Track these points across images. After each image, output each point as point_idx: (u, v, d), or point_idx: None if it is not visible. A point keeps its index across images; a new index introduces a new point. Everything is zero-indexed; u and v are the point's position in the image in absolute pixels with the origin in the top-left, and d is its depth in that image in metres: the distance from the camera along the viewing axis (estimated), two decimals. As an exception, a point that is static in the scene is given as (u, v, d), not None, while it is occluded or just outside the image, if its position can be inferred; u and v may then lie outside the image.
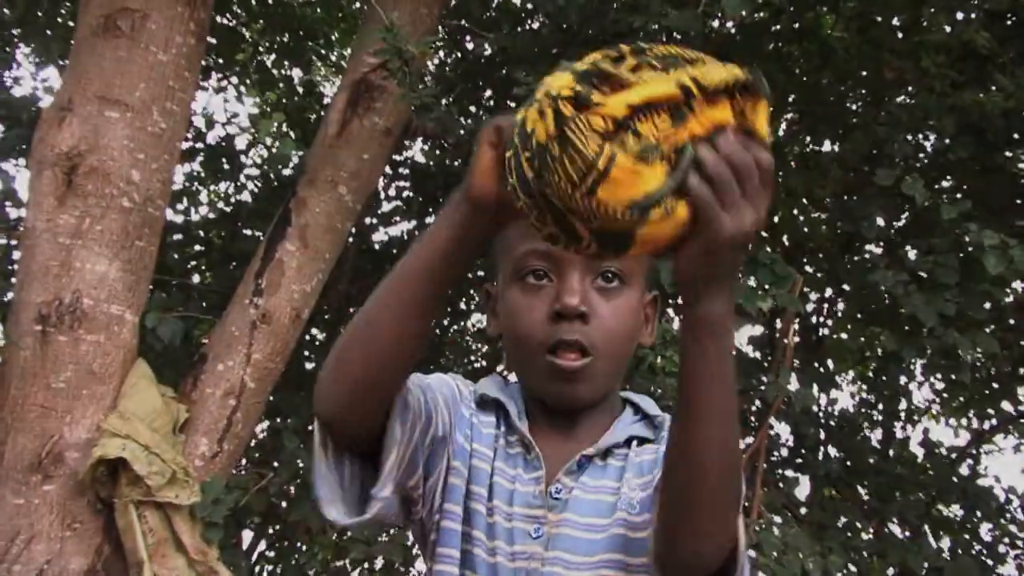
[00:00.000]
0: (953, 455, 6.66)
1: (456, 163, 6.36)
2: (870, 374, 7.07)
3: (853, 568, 4.94)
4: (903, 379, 6.33)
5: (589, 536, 1.49)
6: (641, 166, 1.05)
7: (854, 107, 5.71)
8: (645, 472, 1.54)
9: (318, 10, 7.30)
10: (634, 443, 1.58)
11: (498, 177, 1.19)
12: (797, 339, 6.16)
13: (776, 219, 6.31)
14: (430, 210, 6.75)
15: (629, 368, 3.81)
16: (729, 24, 5.09)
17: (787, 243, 6.27)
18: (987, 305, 4.61)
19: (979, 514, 5.95)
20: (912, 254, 4.75)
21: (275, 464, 4.93)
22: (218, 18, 6.23)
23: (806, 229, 6.25)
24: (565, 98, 1.05)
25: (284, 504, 5.28)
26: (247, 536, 5.95)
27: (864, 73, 5.55)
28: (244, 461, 5.98)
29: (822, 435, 5.89)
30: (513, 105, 5.98)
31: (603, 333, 1.52)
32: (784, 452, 5.98)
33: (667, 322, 4.69)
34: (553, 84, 1.06)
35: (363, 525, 1.41)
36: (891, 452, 6.72)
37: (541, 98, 1.07)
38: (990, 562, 5.89)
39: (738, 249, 1.11)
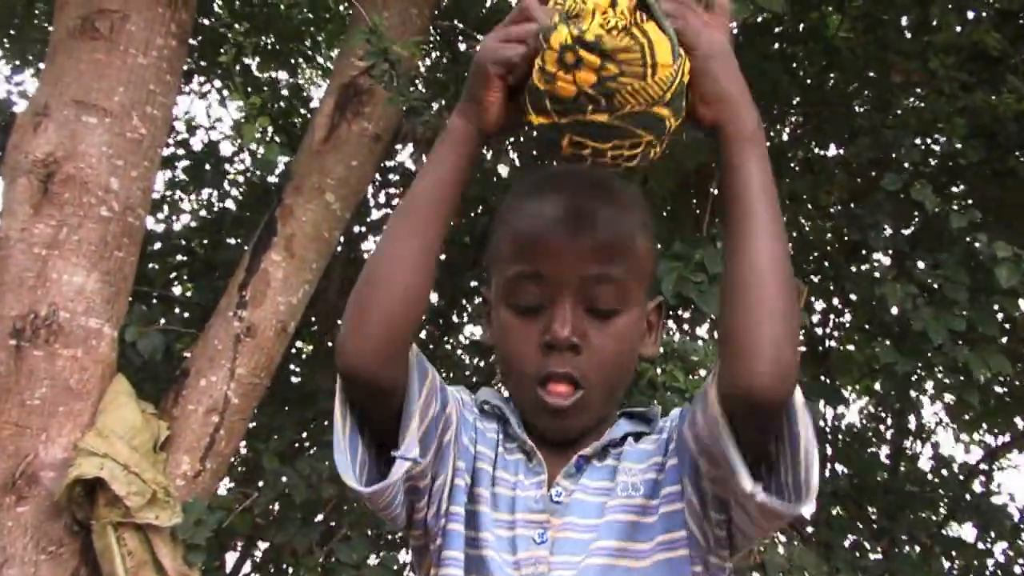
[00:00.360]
0: (965, 472, 6.67)
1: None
2: (878, 387, 7.07)
3: (861, 589, 4.94)
4: (912, 393, 6.34)
5: (592, 536, 1.50)
6: (660, 36, 1.33)
7: (860, 110, 5.73)
8: (644, 459, 1.55)
9: (304, 11, 7.31)
10: (629, 439, 1.59)
11: (506, 107, 1.40)
12: (802, 350, 6.16)
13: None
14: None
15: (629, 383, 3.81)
16: (731, 25, 5.10)
17: (792, 251, 6.28)
18: (1000, 316, 4.62)
19: (993, 533, 5.96)
20: (920, 264, 4.75)
21: (260, 483, 4.92)
22: (200, 19, 6.22)
23: (811, 236, 6.26)
24: (577, 38, 1.30)
25: (269, 525, 5.27)
26: (231, 559, 5.94)
27: (871, 75, 5.56)
28: (228, 480, 5.97)
29: (829, 451, 5.90)
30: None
31: (597, 363, 1.52)
32: (789, 468, 5.97)
33: (668, 335, 4.69)
34: (559, 37, 1.31)
35: (381, 497, 1.41)
36: (901, 468, 6.73)
37: (558, 50, 1.31)
38: (1004, 583, 5.89)
39: (729, 55, 1.37)
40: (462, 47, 6.32)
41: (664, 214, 5.60)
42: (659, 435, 1.59)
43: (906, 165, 4.91)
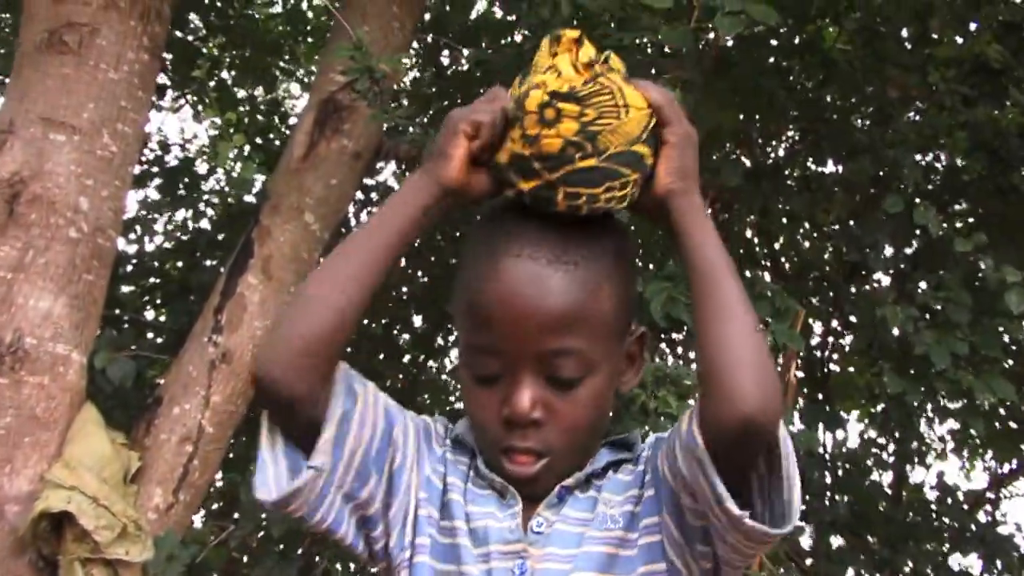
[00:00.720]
0: (971, 500, 6.68)
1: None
2: (878, 410, 7.08)
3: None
4: (915, 418, 6.34)
5: (569, 567, 1.52)
6: (621, 82, 1.51)
7: (859, 123, 5.75)
8: (622, 491, 1.57)
9: (282, 24, 7.32)
10: (610, 471, 1.61)
11: (469, 165, 1.52)
12: (800, 374, 6.17)
13: (777, 245, 6.34)
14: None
15: (618, 409, 3.81)
16: (727, 39, 5.11)
17: (789, 271, 6.29)
18: (1005, 338, 4.63)
19: (999, 565, 5.95)
20: (922, 284, 4.76)
21: (236, 515, 4.91)
22: (174, 32, 6.22)
23: (809, 257, 6.27)
24: (553, 93, 1.47)
25: (246, 559, 5.25)
26: (206, 594, 5.91)
27: (870, 89, 5.58)
28: (202, 513, 5.94)
29: (828, 479, 5.90)
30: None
31: (562, 432, 1.53)
32: (788, 498, 5.97)
33: (660, 358, 4.70)
34: (535, 99, 1.47)
35: (289, 506, 1.48)
36: (903, 497, 6.73)
37: (536, 110, 1.46)
38: (1011, 616, 5.89)
39: (696, 143, 1.52)
40: (446, 61, 6.33)
41: (656, 234, 5.61)
42: (636, 466, 1.60)
43: (905, 186, 4.92)
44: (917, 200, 4.48)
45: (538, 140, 1.47)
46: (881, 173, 5.20)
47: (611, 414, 1.63)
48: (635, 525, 1.52)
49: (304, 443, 1.50)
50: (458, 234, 6.23)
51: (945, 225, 4.48)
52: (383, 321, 6.86)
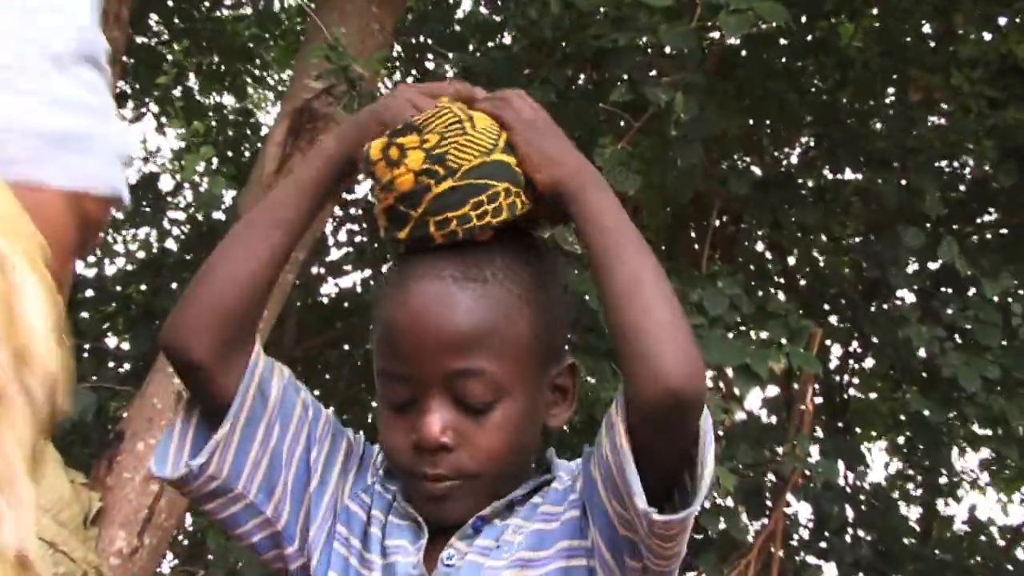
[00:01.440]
0: (1007, 536, 6.68)
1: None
2: (903, 439, 7.10)
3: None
4: (944, 447, 6.35)
5: None
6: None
7: (878, 128, 5.77)
8: (537, 514, 1.58)
9: (252, 27, 7.34)
10: (535, 494, 1.62)
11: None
12: (818, 400, 6.18)
13: (790, 261, 6.35)
14: (387, 256, 6.77)
15: (587, 427, 3.81)
16: (732, 39, 5.14)
17: (804, 289, 6.30)
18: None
19: (1037, 606, 5.96)
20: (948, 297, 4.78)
21: (208, 558, 4.91)
22: (135, 36, 6.26)
23: (826, 272, 6.29)
24: (389, 133, 1.55)
25: (217, 607, 5.24)
26: (174, 646, 5.91)
27: (890, 90, 5.61)
28: (170, 557, 5.94)
29: (849, 514, 5.90)
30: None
31: (476, 457, 1.55)
32: (804, 535, 5.99)
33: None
34: (376, 145, 1.55)
35: (182, 487, 1.57)
36: (932, 533, 6.73)
37: (380, 154, 1.55)
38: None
39: (543, 121, 1.57)
40: (430, 65, 6.35)
41: (661, 250, 5.63)
42: (561, 484, 1.62)
43: (929, 210, 4.93)
44: (941, 228, 4.49)
45: (392, 183, 1.53)
46: (903, 182, 5.21)
47: (535, 442, 1.63)
48: (545, 544, 1.55)
49: (203, 408, 1.61)
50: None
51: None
52: (367, 347, 6.88)
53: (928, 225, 4.92)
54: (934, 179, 4.97)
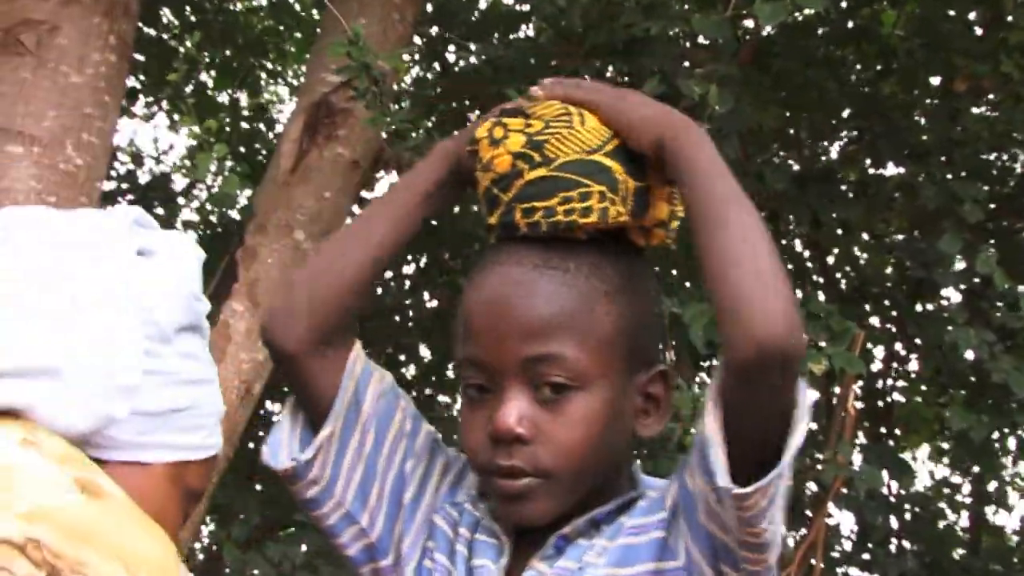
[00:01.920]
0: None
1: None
2: (948, 445, 7.05)
3: None
4: (995, 452, 6.31)
5: None
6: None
7: (922, 120, 5.73)
8: (627, 532, 1.57)
9: (267, 19, 7.33)
10: (622, 514, 1.61)
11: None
12: (859, 406, 6.14)
13: (830, 259, 6.32)
14: (408, 258, 6.76)
15: (653, 447, 3.80)
16: (768, 28, 5.11)
17: (844, 289, 6.27)
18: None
19: (1092, 619, 5.92)
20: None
21: (226, 572, 4.91)
22: (145, 30, 6.25)
23: (868, 272, 6.26)
24: (499, 112, 1.63)
25: (234, 624, 5.24)
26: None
27: (935, 80, 5.57)
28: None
29: (894, 524, 5.87)
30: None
31: (553, 452, 1.54)
32: (847, 546, 5.96)
33: (700, 388, 4.67)
34: (483, 127, 1.61)
35: (292, 482, 1.65)
36: (981, 543, 6.69)
37: (487, 133, 1.60)
38: None
39: (628, 91, 1.62)
40: (451, 58, 6.34)
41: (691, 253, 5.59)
42: (648, 500, 1.61)
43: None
44: (990, 224, 4.45)
45: (492, 163, 1.57)
46: (949, 176, 5.18)
47: (620, 450, 1.62)
48: (631, 561, 1.54)
49: (305, 408, 1.67)
50: (467, 258, 6.24)
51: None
52: (387, 351, 6.87)
53: (974, 222, 4.86)
54: (973, 183, 4.92)
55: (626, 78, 5.20)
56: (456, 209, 6.34)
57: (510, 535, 1.61)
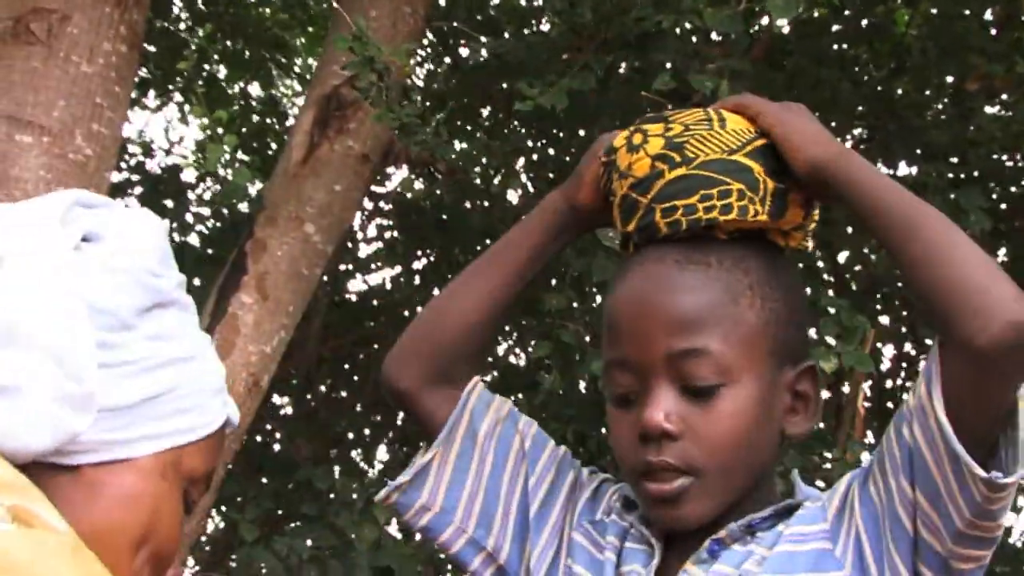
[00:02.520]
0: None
1: (450, 195, 6.36)
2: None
3: None
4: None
5: None
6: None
7: (935, 121, 5.72)
8: (790, 540, 1.55)
9: (279, 12, 7.33)
10: (780, 521, 1.58)
11: (600, 189, 1.67)
12: (869, 405, 6.13)
13: (841, 258, 6.31)
14: (419, 253, 6.76)
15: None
16: (781, 23, 5.10)
17: (855, 287, 6.25)
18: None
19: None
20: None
21: (231, 564, 4.90)
22: (156, 21, 6.25)
23: (879, 269, 6.24)
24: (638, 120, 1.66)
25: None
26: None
27: (948, 79, 5.56)
28: (191, 562, 5.94)
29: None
30: (518, 124, 6.00)
31: (703, 448, 1.53)
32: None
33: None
34: (621, 136, 1.63)
35: (403, 512, 1.72)
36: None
37: (625, 142, 1.62)
38: None
39: (796, 106, 1.63)
40: (463, 52, 6.33)
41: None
42: (810, 509, 1.58)
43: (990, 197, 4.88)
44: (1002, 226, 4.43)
45: (631, 168, 1.59)
46: (962, 176, 5.16)
47: (770, 448, 1.60)
48: (792, 568, 1.51)
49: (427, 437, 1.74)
50: (479, 247, 6.22)
51: None
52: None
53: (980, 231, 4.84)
54: (978, 192, 4.89)
55: (636, 73, 5.19)
56: (466, 205, 6.34)
57: (661, 540, 1.60)
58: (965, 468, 1.36)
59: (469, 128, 6.26)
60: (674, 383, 1.53)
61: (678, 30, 4.55)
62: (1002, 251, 5.29)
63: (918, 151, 5.50)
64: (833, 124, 5.82)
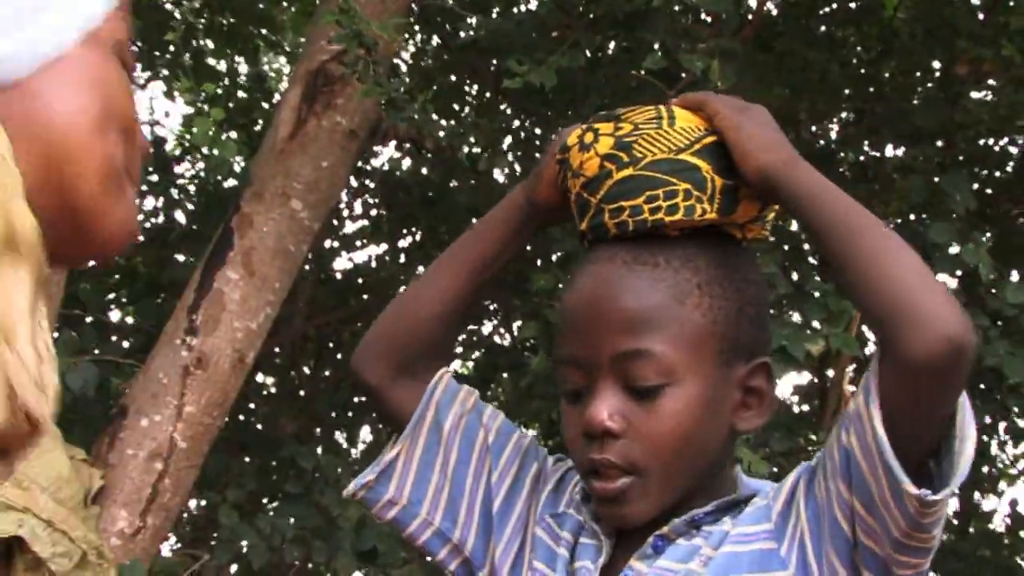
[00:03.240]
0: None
1: (437, 173, 6.35)
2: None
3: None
4: (984, 437, 6.31)
5: None
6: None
7: (923, 103, 5.72)
8: (734, 539, 1.55)
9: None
10: (725, 515, 1.59)
11: (559, 186, 1.68)
12: (853, 388, 6.14)
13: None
14: (405, 231, 6.75)
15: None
16: (770, 5, 5.09)
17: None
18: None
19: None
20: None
21: (212, 543, 4.90)
22: (143, -5, 6.22)
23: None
24: (590, 118, 1.67)
25: (222, 593, 5.24)
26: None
27: (936, 63, 5.56)
28: (174, 539, 5.94)
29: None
30: (504, 105, 5.99)
31: (645, 447, 1.54)
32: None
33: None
34: (574, 133, 1.65)
35: (371, 505, 1.76)
36: (971, 529, 6.70)
37: (577, 140, 1.63)
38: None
39: (757, 109, 1.62)
40: (449, 29, 6.30)
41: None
42: (756, 506, 1.58)
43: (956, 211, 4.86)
44: (989, 210, 4.44)
45: (582, 167, 1.60)
46: (948, 162, 5.16)
47: (718, 445, 1.60)
48: (735, 569, 1.52)
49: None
50: (462, 233, 6.22)
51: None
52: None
53: (965, 211, 4.85)
54: (962, 175, 4.90)
55: (626, 52, 5.18)
56: (453, 183, 6.33)
57: (610, 536, 1.62)
58: (898, 483, 1.36)
59: (456, 106, 6.25)
60: (619, 382, 1.55)
61: (669, 8, 4.53)
62: (986, 235, 5.29)
63: (905, 134, 5.50)
64: (821, 105, 5.83)
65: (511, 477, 1.73)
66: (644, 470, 1.54)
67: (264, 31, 7.28)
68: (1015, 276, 4.77)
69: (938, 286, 1.41)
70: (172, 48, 6.62)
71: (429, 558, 1.75)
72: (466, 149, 5.90)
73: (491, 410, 1.77)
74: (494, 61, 5.57)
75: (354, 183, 6.52)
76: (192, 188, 6.71)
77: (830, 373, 5.60)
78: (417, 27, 6.30)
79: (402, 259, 6.85)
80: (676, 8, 4.62)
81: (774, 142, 1.57)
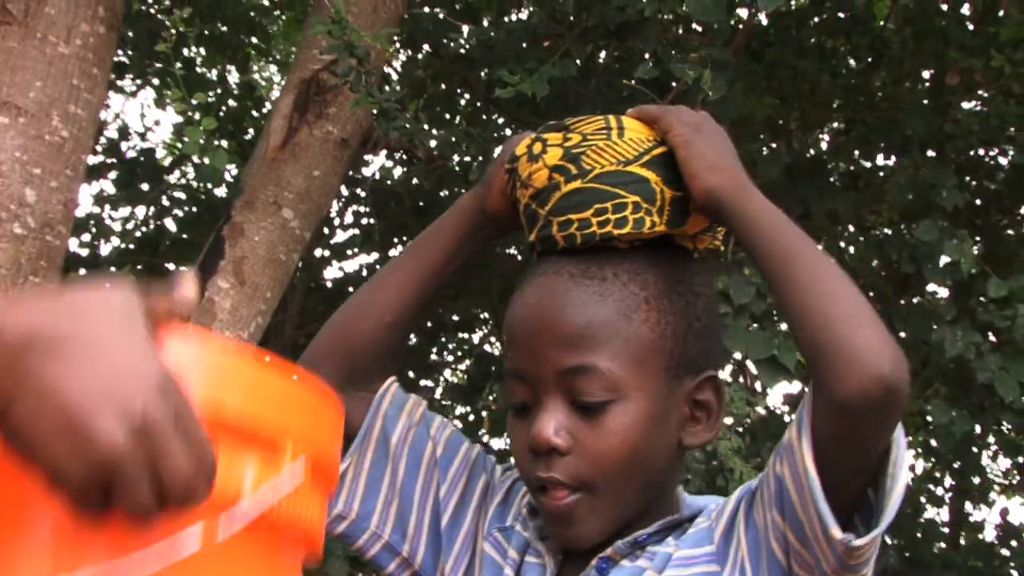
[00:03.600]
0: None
1: (428, 182, 6.35)
2: (934, 443, 7.06)
3: None
4: (975, 448, 6.31)
5: None
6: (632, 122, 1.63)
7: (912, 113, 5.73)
8: (677, 560, 1.54)
9: (256, -3, 7.29)
10: (668, 535, 1.58)
11: (508, 195, 1.65)
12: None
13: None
14: (395, 240, 6.74)
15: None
16: (761, 15, 5.09)
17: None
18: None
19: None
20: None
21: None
22: (133, 3, 6.21)
23: (854, 265, 6.25)
24: (539, 129, 1.64)
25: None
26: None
27: (927, 74, 5.56)
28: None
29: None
30: (498, 117, 5.99)
31: (591, 463, 1.53)
32: (829, 539, 5.95)
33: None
34: (523, 142, 1.62)
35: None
36: (961, 539, 6.70)
37: (526, 150, 1.61)
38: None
39: (711, 127, 1.58)
40: (443, 39, 6.31)
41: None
42: (699, 527, 1.57)
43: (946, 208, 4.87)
44: (978, 220, 4.44)
45: (530, 178, 1.58)
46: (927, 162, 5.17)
47: (665, 461, 1.58)
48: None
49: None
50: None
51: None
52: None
53: (952, 208, 4.86)
54: (951, 172, 4.91)
55: (617, 61, 5.19)
56: (443, 192, 6.33)
57: (556, 556, 1.60)
58: (825, 525, 1.35)
59: (448, 116, 6.25)
60: (565, 398, 1.53)
61: (660, 18, 4.53)
62: (976, 246, 5.29)
63: (896, 144, 5.51)
64: (811, 116, 5.84)
65: (459, 491, 1.71)
66: (592, 486, 1.53)
67: (255, 40, 7.29)
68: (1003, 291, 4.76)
69: (874, 323, 1.39)
70: (163, 57, 6.61)
71: (376, 574, 1.73)
72: (457, 158, 5.90)
73: (439, 421, 1.74)
74: (485, 71, 5.57)
75: (345, 192, 6.53)
76: (183, 197, 6.70)
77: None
78: (407, 37, 6.30)
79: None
80: (667, 18, 4.61)
81: (724, 164, 1.55)
